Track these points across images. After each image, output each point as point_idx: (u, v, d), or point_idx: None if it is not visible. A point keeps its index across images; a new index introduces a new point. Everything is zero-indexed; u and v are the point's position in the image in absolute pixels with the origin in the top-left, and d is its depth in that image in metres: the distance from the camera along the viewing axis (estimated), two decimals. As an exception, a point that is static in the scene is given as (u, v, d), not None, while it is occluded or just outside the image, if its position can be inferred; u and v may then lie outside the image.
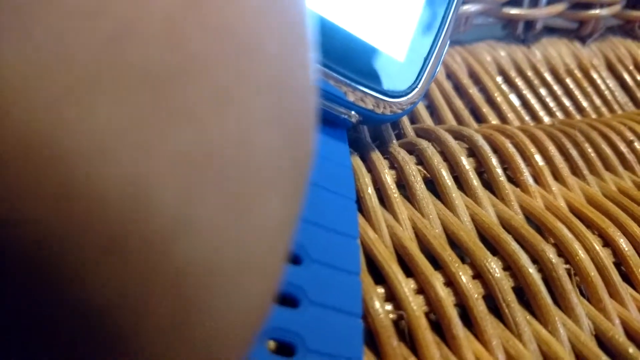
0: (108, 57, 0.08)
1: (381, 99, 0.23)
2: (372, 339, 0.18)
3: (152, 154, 0.08)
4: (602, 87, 0.37)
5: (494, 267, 0.20)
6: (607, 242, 0.24)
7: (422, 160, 0.25)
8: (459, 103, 0.30)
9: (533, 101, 0.34)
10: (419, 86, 0.25)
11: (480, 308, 0.19)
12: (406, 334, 0.18)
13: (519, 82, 0.34)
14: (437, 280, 0.19)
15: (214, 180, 0.09)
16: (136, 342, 0.09)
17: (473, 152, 0.26)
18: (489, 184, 0.25)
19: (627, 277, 0.23)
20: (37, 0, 0.07)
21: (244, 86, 0.09)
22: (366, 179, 0.23)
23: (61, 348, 0.08)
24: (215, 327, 0.09)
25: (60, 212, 0.07)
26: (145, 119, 0.08)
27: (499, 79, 0.34)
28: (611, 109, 0.36)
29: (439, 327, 0.19)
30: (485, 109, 0.31)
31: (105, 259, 0.08)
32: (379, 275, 0.20)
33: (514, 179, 0.25)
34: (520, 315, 0.20)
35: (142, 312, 0.08)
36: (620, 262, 0.23)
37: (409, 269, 0.20)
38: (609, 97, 0.36)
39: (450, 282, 0.20)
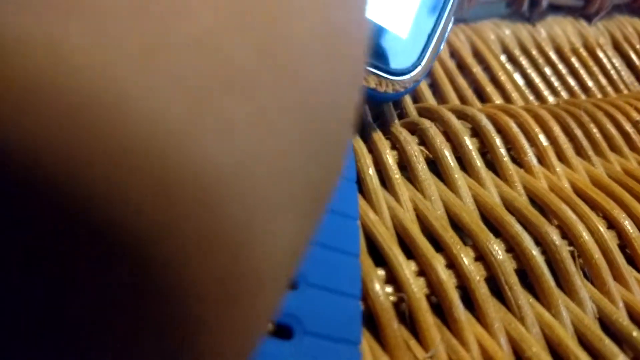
0: None
1: (383, 77, 0.23)
2: (372, 321, 0.18)
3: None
4: (608, 66, 0.36)
5: (497, 249, 0.20)
6: (612, 224, 0.23)
7: (424, 140, 0.24)
8: (462, 82, 0.30)
9: (537, 80, 0.33)
10: (422, 64, 0.24)
11: (482, 290, 0.19)
12: (407, 316, 0.18)
13: (524, 61, 0.34)
14: (438, 263, 0.19)
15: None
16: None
17: (476, 132, 0.25)
18: (493, 165, 0.24)
19: (631, 260, 0.23)
20: None
21: (280, 110, 0.09)
22: (367, 160, 0.23)
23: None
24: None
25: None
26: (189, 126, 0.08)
27: (503, 58, 0.33)
28: (617, 89, 0.35)
29: (440, 309, 0.19)
30: (489, 88, 0.30)
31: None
32: (379, 257, 0.20)
33: (518, 160, 0.25)
34: (522, 298, 0.19)
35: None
36: (625, 244, 0.23)
37: (410, 251, 0.20)
38: (615, 76, 0.36)
39: (452, 264, 0.20)
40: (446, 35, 0.25)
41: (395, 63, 0.24)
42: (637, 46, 0.38)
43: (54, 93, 0.07)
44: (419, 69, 0.24)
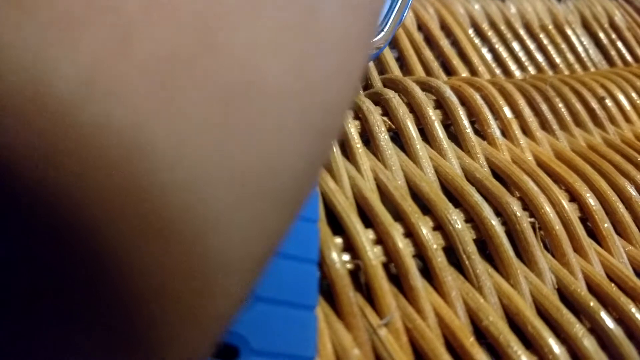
0: None
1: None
2: (329, 289, 0.18)
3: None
4: (576, 44, 0.36)
5: (455, 218, 0.20)
6: (574, 197, 0.23)
7: (387, 111, 0.24)
8: (429, 54, 0.29)
9: (505, 55, 0.33)
10: (385, 30, 0.24)
11: (439, 259, 0.19)
12: (362, 284, 0.18)
13: (492, 35, 0.33)
14: (395, 231, 0.19)
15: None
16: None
17: (440, 103, 0.25)
18: (456, 137, 0.24)
19: (592, 233, 0.23)
20: None
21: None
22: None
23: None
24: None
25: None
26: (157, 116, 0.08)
27: (472, 32, 0.33)
28: (584, 67, 0.35)
29: (397, 279, 0.19)
30: (456, 62, 0.30)
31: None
32: (338, 226, 0.19)
33: (481, 132, 0.25)
34: (481, 267, 0.19)
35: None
36: (586, 217, 0.23)
37: (369, 220, 0.20)
38: (583, 54, 0.36)
39: (410, 233, 0.19)
40: (409, 2, 0.24)
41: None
42: (606, 25, 0.38)
43: None
44: (381, 35, 0.24)
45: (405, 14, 0.24)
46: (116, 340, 0.09)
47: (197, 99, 0.08)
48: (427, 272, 0.19)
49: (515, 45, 0.34)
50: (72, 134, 0.07)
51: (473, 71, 0.30)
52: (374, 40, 0.23)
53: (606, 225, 0.23)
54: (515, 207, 0.21)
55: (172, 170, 0.08)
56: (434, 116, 0.24)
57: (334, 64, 0.10)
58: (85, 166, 0.07)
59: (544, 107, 0.27)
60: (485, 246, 0.20)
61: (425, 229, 0.19)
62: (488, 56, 0.32)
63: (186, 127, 0.08)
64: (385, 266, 0.19)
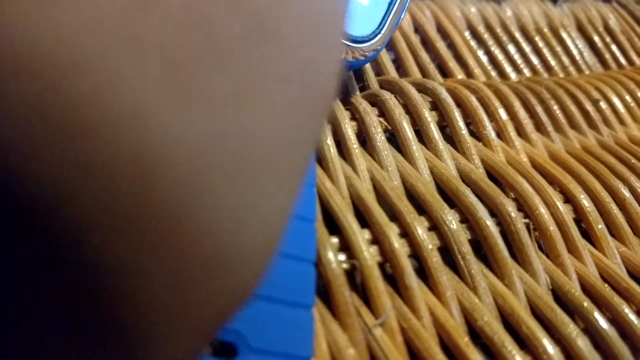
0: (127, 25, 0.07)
1: (343, 44, 0.22)
2: (325, 289, 0.18)
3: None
4: (571, 47, 0.36)
5: (450, 218, 0.20)
6: (568, 198, 0.24)
7: (383, 112, 0.24)
8: (425, 56, 0.29)
9: (501, 58, 0.33)
10: (383, 32, 0.24)
11: (434, 259, 0.19)
12: (358, 283, 0.18)
13: (488, 38, 0.33)
14: (391, 231, 0.19)
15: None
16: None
17: (436, 105, 0.25)
18: (452, 138, 0.24)
19: (586, 234, 0.23)
20: None
21: (265, 74, 0.09)
22: (326, 130, 0.22)
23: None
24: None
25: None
26: (164, 98, 0.07)
27: (468, 35, 0.33)
28: (579, 69, 0.35)
29: (393, 279, 0.19)
30: (452, 64, 0.30)
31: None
32: (334, 226, 0.19)
33: (477, 133, 0.25)
34: (476, 267, 0.19)
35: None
36: (580, 218, 0.23)
37: (365, 220, 0.20)
38: (578, 57, 0.36)
39: (406, 233, 0.19)
40: (407, 4, 0.24)
41: (355, 30, 0.23)
42: (600, 29, 0.39)
43: None
44: (379, 37, 0.24)
45: (402, 17, 0.24)
46: (108, 342, 0.09)
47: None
48: (423, 272, 0.19)
49: (511, 48, 0.34)
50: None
51: (469, 73, 0.31)
52: (371, 42, 0.23)
53: (600, 226, 0.23)
54: (510, 208, 0.21)
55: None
56: (429, 117, 0.24)
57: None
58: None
59: (539, 109, 0.27)
60: (480, 246, 0.20)
61: (420, 229, 0.19)
62: (484, 58, 0.32)
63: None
64: (381, 266, 0.19)
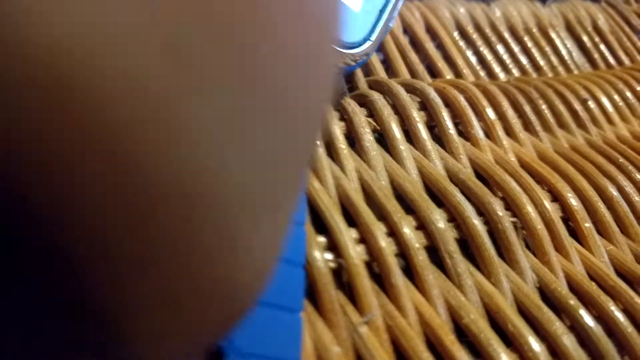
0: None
1: (332, 48, 0.23)
2: (311, 287, 0.18)
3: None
4: (560, 47, 0.36)
5: (437, 218, 0.20)
6: (556, 197, 0.24)
7: (372, 112, 0.24)
8: (414, 57, 0.30)
9: (489, 58, 0.33)
10: (373, 38, 0.24)
11: (420, 258, 0.19)
12: (345, 282, 0.18)
13: (477, 38, 0.34)
14: (378, 230, 0.19)
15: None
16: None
17: (425, 105, 0.25)
18: (440, 138, 0.24)
19: (574, 232, 0.23)
20: None
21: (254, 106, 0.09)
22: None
23: None
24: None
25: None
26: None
27: (456, 35, 0.33)
28: (568, 69, 0.36)
29: (380, 278, 0.19)
30: (441, 64, 0.30)
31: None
32: (321, 225, 0.19)
33: (465, 133, 0.25)
34: (462, 266, 0.19)
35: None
36: (568, 217, 0.23)
37: (352, 220, 0.20)
38: (567, 57, 0.36)
39: (393, 233, 0.19)
40: (397, 11, 0.25)
41: (346, 36, 0.24)
42: (589, 29, 0.39)
43: None
44: (369, 43, 0.24)
45: (392, 23, 0.24)
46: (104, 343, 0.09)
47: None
48: (410, 271, 0.19)
49: (500, 48, 0.34)
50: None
51: (458, 74, 0.31)
52: (362, 48, 0.23)
53: (587, 225, 0.23)
54: (497, 206, 0.21)
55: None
56: (418, 117, 0.24)
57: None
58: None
59: (528, 109, 0.27)
60: (468, 245, 0.21)
61: (407, 228, 0.19)
62: (473, 59, 0.33)
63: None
64: (369, 265, 0.19)
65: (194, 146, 0.08)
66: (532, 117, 0.27)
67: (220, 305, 0.09)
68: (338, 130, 0.23)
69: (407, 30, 0.31)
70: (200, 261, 0.08)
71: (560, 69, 0.35)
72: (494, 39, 0.34)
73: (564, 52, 0.36)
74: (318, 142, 0.22)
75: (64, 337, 0.08)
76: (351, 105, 0.24)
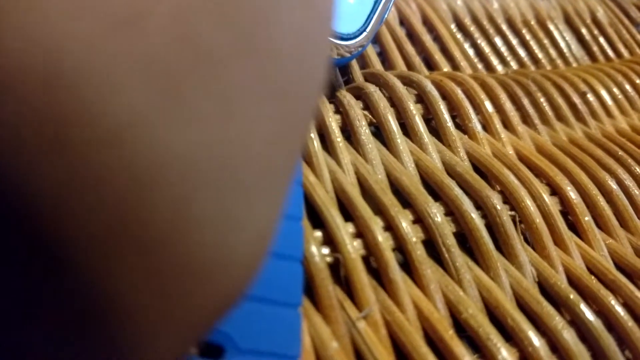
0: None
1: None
2: (308, 282, 0.18)
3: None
4: (559, 39, 0.36)
5: (435, 211, 0.20)
6: (555, 191, 0.23)
7: (368, 105, 0.24)
8: (410, 49, 0.29)
9: (487, 50, 0.33)
10: (368, 29, 0.24)
11: (418, 252, 0.19)
12: (342, 277, 0.18)
13: (474, 31, 0.33)
14: (375, 224, 0.19)
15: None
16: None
17: (422, 98, 0.25)
18: (437, 131, 0.24)
19: (573, 226, 0.23)
20: None
21: (254, 87, 0.09)
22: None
23: None
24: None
25: None
26: (154, 112, 0.07)
27: (454, 27, 0.33)
28: (567, 62, 0.35)
29: (378, 273, 0.18)
30: (438, 57, 0.30)
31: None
32: (318, 219, 0.19)
33: (462, 126, 0.25)
34: (460, 260, 0.19)
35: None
36: (567, 210, 0.23)
37: (349, 214, 0.20)
38: (565, 49, 0.36)
39: (390, 227, 0.19)
40: (392, 2, 0.24)
41: (341, 27, 0.23)
42: (588, 21, 0.38)
43: None
44: (364, 34, 0.23)
45: (387, 14, 0.24)
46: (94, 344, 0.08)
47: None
48: (408, 265, 0.19)
49: (498, 41, 0.34)
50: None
51: (455, 66, 0.30)
52: (357, 39, 0.23)
53: (587, 219, 0.23)
54: (495, 200, 0.21)
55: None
56: (414, 110, 0.24)
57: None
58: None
59: (526, 102, 0.27)
60: (466, 239, 0.20)
61: (404, 222, 0.19)
62: (470, 51, 0.32)
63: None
64: (366, 260, 0.19)
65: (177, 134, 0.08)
66: (531, 110, 0.27)
67: (213, 287, 0.09)
68: (334, 123, 0.22)
69: (404, 22, 0.31)
70: (194, 242, 0.08)
71: (559, 61, 0.35)
72: (491, 31, 0.34)
73: (562, 44, 0.36)
74: (311, 133, 0.22)
75: (61, 341, 0.08)
76: (347, 97, 0.23)
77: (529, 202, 0.22)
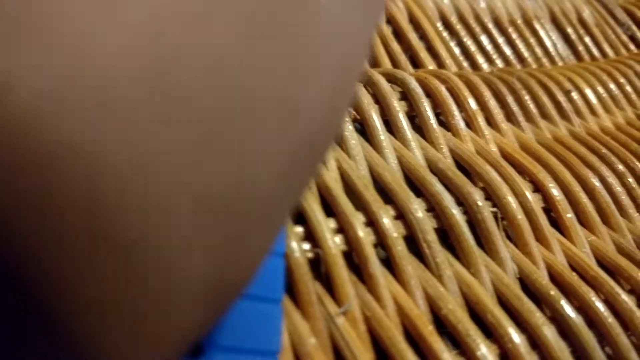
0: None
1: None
2: (288, 278, 0.17)
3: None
4: (545, 38, 0.36)
5: (416, 207, 0.20)
6: (538, 188, 0.23)
7: (352, 101, 0.24)
8: (396, 47, 0.29)
9: (473, 49, 0.33)
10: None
11: (399, 248, 0.19)
12: (322, 273, 0.18)
13: (460, 29, 0.33)
14: (356, 220, 0.19)
15: None
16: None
17: (406, 95, 0.25)
18: (421, 129, 0.24)
19: (556, 223, 0.23)
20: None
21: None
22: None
23: None
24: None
25: None
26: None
27: (440, 26, 0.33)
28: (552, 61, 0.35)
29: (359, 268, 0.18)
30: (423, 54, 0.30)
31: None
32: (299, 215, 0.19)
33: (446, 123, 0.25)
34: (441, 256, 0.19)
35: None
36: (549, 207, 0.23)
37: (331, 210, 0.20)
38: (551, 48, 0.36)
39: (371, 222, 0.19)
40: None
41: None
42: (574, 21, 0.39)
43: None
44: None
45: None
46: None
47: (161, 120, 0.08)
48: (389, 261, 0.19)
49: (484, 39, 0.34)
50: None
51: (441, 64, 0.30)
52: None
53: (569, 216, 0.23)
54: (477, 196, 0.21)
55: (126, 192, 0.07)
56: (398, 107, 0.24)
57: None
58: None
59: (510, 99, 0.27)
60: (447, 236, 0.20)
61: (386, 218, 0.19)
62: (456, 50, 0.32)
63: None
64: (348, 256, 0.19)
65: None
66: (515, 108, 0.27)
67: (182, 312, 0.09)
68: (318, 120, 0.22)
69: (390, 20, 0.31)
70: (154, 262, 0.08)
71: (545, 60, 0.35)
72: (478, 30, 0.34)
73: (548, 43, 0.36)
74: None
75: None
76: (331, 94, 0.23)
77: (510, 199, 0.22)
